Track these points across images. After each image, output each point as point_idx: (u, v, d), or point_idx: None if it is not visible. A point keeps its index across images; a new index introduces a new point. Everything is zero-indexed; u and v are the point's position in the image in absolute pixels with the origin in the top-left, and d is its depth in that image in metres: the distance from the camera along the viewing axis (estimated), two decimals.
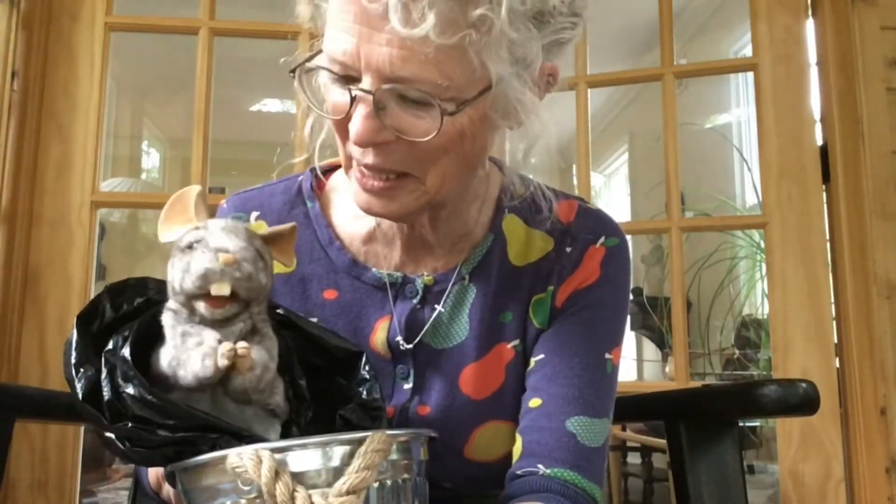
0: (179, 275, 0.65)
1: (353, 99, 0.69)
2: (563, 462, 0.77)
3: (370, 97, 0.67)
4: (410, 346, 0.83)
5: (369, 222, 0.86)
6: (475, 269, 0.85)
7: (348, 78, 0.69)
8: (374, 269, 0.85)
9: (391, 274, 0.84)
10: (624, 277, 0.87)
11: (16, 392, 1.24)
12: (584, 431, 0.79)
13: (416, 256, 0.86)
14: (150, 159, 7.05)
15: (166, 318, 0.66)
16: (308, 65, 0.73)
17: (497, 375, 0.83)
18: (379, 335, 0.83)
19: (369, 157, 0.71)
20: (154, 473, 0.78)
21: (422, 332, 0.83)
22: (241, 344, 0.63)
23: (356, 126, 0.68)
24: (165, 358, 0.64)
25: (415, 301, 0.84)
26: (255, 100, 6.44)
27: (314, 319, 0.81)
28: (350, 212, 0.87)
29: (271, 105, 6.63)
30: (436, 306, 0.84)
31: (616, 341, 0.85)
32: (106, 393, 0.62)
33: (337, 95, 0.71)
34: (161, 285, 0.70)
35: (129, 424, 0.61)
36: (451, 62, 0.66)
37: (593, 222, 0.87)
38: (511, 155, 0.83)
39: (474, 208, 0.86)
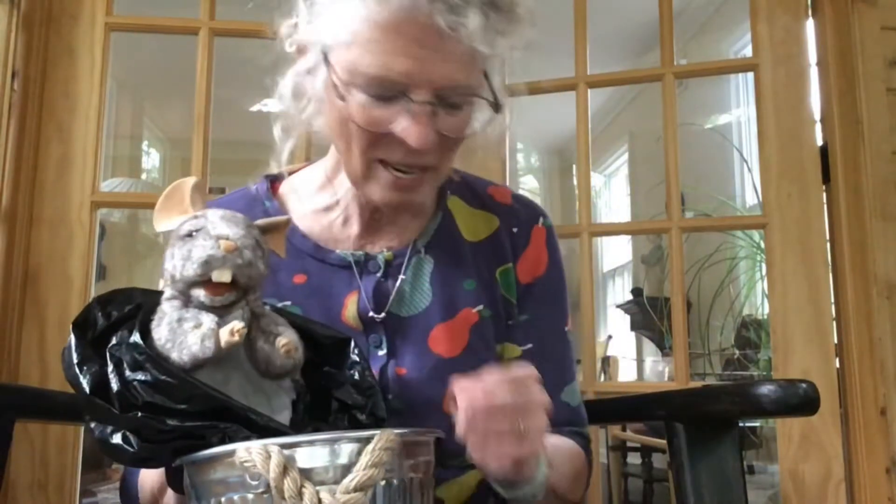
0: (180, 263, 0.65)
1: (404, 111, 0.77)
2: (564, 423, 0.94)
3: (427, 108, 0.77)
4: (381, 315, 0.90)
5: (328, 216, 0.94)
6: (429, 242, 0.95)
7: (388, 95, 0.77)
8: (337, 251, 0.93)
9: (354, 253, 0.93)
10: (560, 254, 1.02)
11: (16, 392, 1.24)
12: (571, 396, 0.98)
13: (373, 236, 0.95)
14: (150, 159, 7.05)
15: (164, 306, 0.67)
16: (339, 81, 0.79)
17: (463, 336, 0.92)
18: (349, 309, 0.90)
19: (420, 159, 0.81)
20: (150, 490, 0.78)
21: (388, 303, 0.91)
22: (286, 339, 0.67)
23: (419, 136, 0.77)
24: (159, 338, 0.64)
25: (378, 275, 0.92)
26: (255, 100, 6.44)
27: (287, 303, 0.87)
28: (308, 209, 0.96)
29: (271, 105, 6.62)
30: (398, 277, 0.92)
31: (568, 311, 1.02)
32: (114, 384, 0.62)
33: (377, 111, 0.78)
34: (146, 294, 0.70)
35: (139, 414, 0.61)
36: (473, 66, 0.78)
37: (529, 205, 1.02)
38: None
39: None
